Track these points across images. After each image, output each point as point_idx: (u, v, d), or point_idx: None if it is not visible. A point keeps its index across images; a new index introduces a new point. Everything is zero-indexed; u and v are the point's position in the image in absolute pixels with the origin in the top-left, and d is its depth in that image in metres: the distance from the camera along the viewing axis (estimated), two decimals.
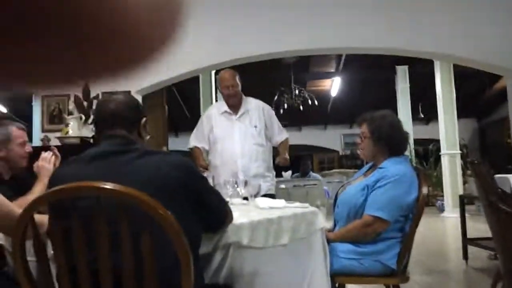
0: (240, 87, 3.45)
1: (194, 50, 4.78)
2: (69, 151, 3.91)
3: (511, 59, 4.65)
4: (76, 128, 4.43)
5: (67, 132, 4.35)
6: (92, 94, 4.70)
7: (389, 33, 4.76)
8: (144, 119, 1.60)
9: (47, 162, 2.17)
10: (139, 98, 4.81)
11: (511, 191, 4.37)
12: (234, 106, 3.47)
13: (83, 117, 4.59)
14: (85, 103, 4.68)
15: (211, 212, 1.55)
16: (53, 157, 2.23)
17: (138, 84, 4.76)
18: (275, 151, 3.63)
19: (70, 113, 4.62)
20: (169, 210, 1.22)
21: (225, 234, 1.64)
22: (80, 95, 4.70)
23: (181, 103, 12.23)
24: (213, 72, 7.74)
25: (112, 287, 1.24)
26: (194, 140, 3.55)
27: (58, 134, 4.36)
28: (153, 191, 1.26)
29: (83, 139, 4.31)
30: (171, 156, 1.50)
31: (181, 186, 1.42)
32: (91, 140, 4.32)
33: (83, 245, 1.25)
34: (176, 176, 1.42)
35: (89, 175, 1.34)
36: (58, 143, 4.27)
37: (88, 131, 4.58)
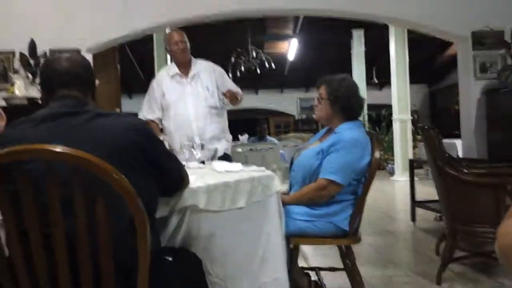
0: (188, 45, 3.36)
1: (147, 7, 4.61)
2: (15, 112, 3.74)
3: (462, 26, 4.76)
4: (23, 87, 4.23)
5: (12, 92, 4.14)
6: (39, 52, 4.46)
7: None
8: (97, 81, 1.54)
9: None
10: (89, 56, 4.61)
11: (457, 156, 4.59)
12: (185, 66, 3.37)
13: (30, 76, 4.38)
14: (31, 61, 4.45)
15: (168, 176, 1.53)
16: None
17: (88, 41, 4.54)
18: (230, 114, 3.59)
19: (15, 72, 4.38)
20: (124, 173, 1.19)
21: (181, 197, 1.63)
22: (26, 52, 4.45)
23: (135, 64, 11.86)
24: (167, 31, 7.52)
25: (66, 253, 1.21)
26: (147, 110, 3.42)
27: (3, 94, 4.14)
28: (107, 154, 1.23)
29: (30, 100, 4.12)
30: (126, 118, 1.45)
31: (137, 149, 1.38)
32: (40, 101, 4.13)
33: (34, 210, 1.20)
34: (132, 138, 1.38)
35: (39, 137, 1.28)
36: (4, 104, 4.07)
37: (35, 91, 4.37)
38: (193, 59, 3.43)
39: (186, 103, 3.31)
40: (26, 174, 1.19)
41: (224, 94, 3.31)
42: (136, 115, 3.05)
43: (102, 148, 1.28)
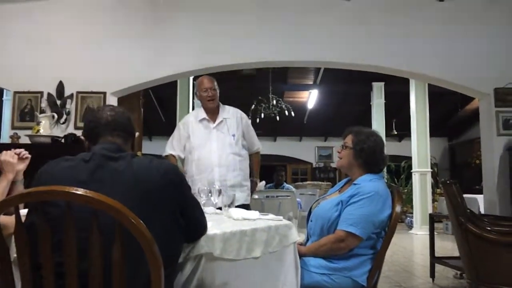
0: (218, 93, 3.43)
1: (172, 55, 4.75)
2: (39, 150, 3.81)
3: (483, 82, 4.77)
4: (48, 127, 4.33)
5: (38, 131, 4.23)
6: (66, 93, 4.60)
7: (366, 49, 4.83)
8: (137, 133, 1.60)
9: (11, 157, 2.08)
10: (115, 99, 4.73)
11: (479, 211, 4.48)
12: (212, 112, 3.43)
13: (56, 116, 4.49)
14: (58, 102, 4.58)
15: (191, 223, 1.54)
16: (23, 153, 2.15)
17: (114, 86, 4.68)
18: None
19: (42, 111, 4.50)
20: (150, 217, 1.22)
21: (197, 244, 1.61)
22: (54, 93, 4.60)
23: (157, 107, 12.10)
24: (191, 78, 7.70)
25: None
26: (170, 148, 3.50)
27: (28, 132, 4.24)
28: (137, 198, 1.28)
29: (54, 139, 4.20)
30: (159, 162, 1.48)
31: (168, 195, 1.41)
32: (62, 140, 4.21)
33: (50, 249, 1.20)
34: (162, 183, 1.40)
35: (75, 177, 1.34)
36: (28, 141, 4.16)
37: (59, 131, 4.48)
38: (221, 105, 3.48)
39: (211, 148, 3.34)
40: (46, 215, 1.20)
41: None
42: (155, 156, 3.08)
43: (132, 192, 1.32)
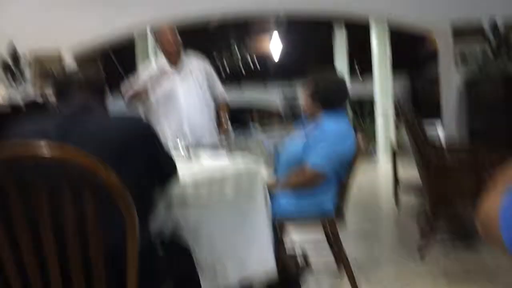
0: (181, 44, 3.35)
1: (127, 7, 4.59)
2: None
3: (441, 17, 4.82)
4: (5, 92, 4.18)
5: None
6: (19, 51, 4.41)
7: None
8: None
9: None
10: (71, 58, 4.58)
11: (438, 135, 4.65)
12: (175, 60, 3.35)
13: (11, 81, 4.33)
14: (11, 64, 4.40)
15: (162, 170, 1.58)
16: None
17: (68, 41, 4.50)
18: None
19: None
20: (124, 172, 1.23)
21: (169, 192, 1.65)
22: (7, 55, 4.40)
23: (117, 66, 11.78)
24: (148, 32, 7.47)
25: (56, 252, 1.22)
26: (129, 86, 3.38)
27: None
28: (108, 151, 1.30)
29: (13, 107, 4.04)
30: (130, 118, 1.52)
31: (139, 149, 1.43)
32: (24, 108, 4.05)
33: (21, 208, 1.21)
34: (134, 138, 1.43)
35: (45, 133, 1.34)
36: None
37: (18, 97, 4.30)
38: (184, 56, 3.41)
39: (178, 97, 3.30)
40: (16, 173, 1.20)
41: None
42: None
43: (103, 148, 1.32)
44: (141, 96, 3.29)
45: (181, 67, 3.35)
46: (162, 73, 3.22)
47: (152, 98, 3.33)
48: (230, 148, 3.42)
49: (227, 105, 3.61)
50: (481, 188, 2.59)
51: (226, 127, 3.49)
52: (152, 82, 3.23)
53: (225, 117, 3.54)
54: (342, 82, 2.47)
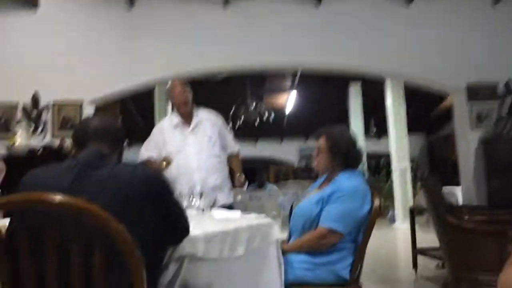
0: (191, 97, 3.41)
1: (149, 62, 4.74)
2: (15, 162, 3.76)
3: (457, 78, 4.88)
4: (24, 138, 4.27)
5: (14, 143, 4.17)
6: (42, 103, 4.55)
7: (341, 52, 4.89)
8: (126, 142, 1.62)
9: None
10: (91, 108, 4.70)
11: (457, 203, 4.58)
12: (187, 116, 3.40)
13: (32, 126, 4.43)
14: (34, 112, 4.52)
15: (174, 227, 1.55)
16: None
17: (90, 94, 4.64)
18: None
19: (18, 122, 4.44)
20: (133, 224, 1.22)
21: (179, 246, 1.61)
22: (29, 103, 4.54)
23: (135, 114, 12.01)
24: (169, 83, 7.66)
25: None
26: (146, 150, 3.45)
27: (4, 144, 4.17)
28: (120, 205, 1.29)
29: (30, 150, 4.15)
30: (143, 169, 1.49)
31: (151, 202, 1.41)
32: (39, 151, 4.16)
33: (29, 256, 1.19)
34: (147, 191, 1.41)
35: (59, 185, 1.33)
36: (4, 153, 4.09)
37: (36, 142, 4.42)
38: (195, 108, 3.47)
39: (188, 153, 3.31)
40: (28, 223, 1.20)
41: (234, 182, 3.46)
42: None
43: (114, 199, 1.32)
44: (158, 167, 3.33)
45: (192, 120, 3.40)
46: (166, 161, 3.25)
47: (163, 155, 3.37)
48: (246, 208, 3.37)
49: (238, 157, 3.61)
50: (503, 254, 2.51)
51: (241, 180, 3.47)
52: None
53: (238, 167, 3.54)
54: (357, 142, 2.43)
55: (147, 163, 3.39)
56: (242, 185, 3.49)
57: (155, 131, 3.50)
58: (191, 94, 3.41)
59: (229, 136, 3.57)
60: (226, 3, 4.85)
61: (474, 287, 2.89)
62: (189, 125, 3.38)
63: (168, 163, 3.21)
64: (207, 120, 3.44)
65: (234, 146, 3.57)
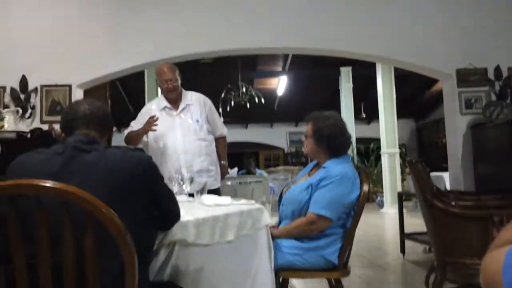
0: (179, 82, 3.40)
1: (137, 45, 4.69)
2: (4, 146, 3.73)
3: (447, 63, 4.89)
4: (12, 122, 4.23)
5: (2, 126, 4.13)
6: (30, 87, 4.50)
7: (333, 35, 4.87)
8: (114, 128, 1.61)
9: None
10: (81, 92, 4.65)
11: (445, 188, 4.64)
12: (174, 100, 3.41)
13: (20, 111, 4.39)
14: (22, 96, 4.47)
15: (164, 212, 1.56)
16: None
17: (78, 77, 4.59)
18: None
19: (6, 106, 4.39)
20: (122, 208, 1.22)
21: (170, 231, 1.63)
22: (17, 87, 4.48)
23: (125, 98, 11.93)
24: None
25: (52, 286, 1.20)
26: (131, 129, 3.44)
27: None
28: (109, 189, 1.30)
29: (19, 134, 4.11)
30: (133, 153, 1.49)
31: (140, 186, 1.42)
32: (28, 135, 4.12)
33: (20, 241, 1.20)
34: (136, 175, 1.41)
35: (48, 170, 1.35)
36: None
37: (25, 126, 4.37)
38: (183, 91, 3.46)
39: (175, 135, 3.33)
40: (17, 208, 1.20)
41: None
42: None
43: (104, 183, 1.33)
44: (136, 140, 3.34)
45: (180, 103, 3.39)
46: (150, 118, 3.24)
47: (149, 137, 3.37)
48: (235, 193, 3.40)
49: (225, 140, 3.63)
50: (488, 239, 2.55)
51: (223, 169, 3.54)
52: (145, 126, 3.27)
53: (223, 151, 3.56)
54: (345, 128, 2.43)
55: (129, 133, 3.39)
56: (223, 174, 3.53)
57: (143, 111, 3.50)
58: (179, 79, 3.39)
59: (218, 119, 3.57)
60: None
61: (460, 270, 2.95)
62: (177, 108, 3.39)
63: (154, 120, 3.19)
64: (195, 103, 3.44)
65: (222, 129, 3.58)
